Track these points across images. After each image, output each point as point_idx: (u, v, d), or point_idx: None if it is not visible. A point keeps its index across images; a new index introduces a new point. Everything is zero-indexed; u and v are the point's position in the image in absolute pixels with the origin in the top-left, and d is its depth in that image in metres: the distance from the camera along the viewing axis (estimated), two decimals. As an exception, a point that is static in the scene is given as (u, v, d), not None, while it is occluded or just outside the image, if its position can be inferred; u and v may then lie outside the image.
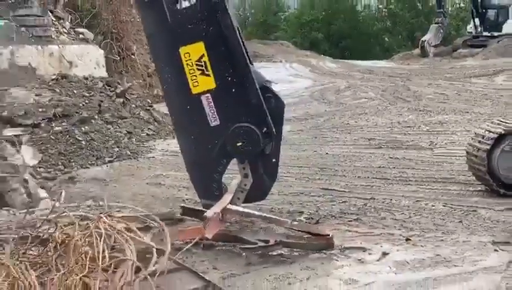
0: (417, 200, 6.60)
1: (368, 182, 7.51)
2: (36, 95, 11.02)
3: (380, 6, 58.55)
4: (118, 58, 15.38)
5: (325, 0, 57.06)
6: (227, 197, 5.40)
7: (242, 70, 5.29)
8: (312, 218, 6.03)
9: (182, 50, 5.18)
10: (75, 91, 12.03)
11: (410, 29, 50.05)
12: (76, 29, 14.86)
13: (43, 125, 9.90)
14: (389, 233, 5.55)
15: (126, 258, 4.00)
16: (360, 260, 4.95)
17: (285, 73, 26.07)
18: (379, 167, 8.29)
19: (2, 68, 11.98)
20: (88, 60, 14.10)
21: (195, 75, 5.20)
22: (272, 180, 5.62)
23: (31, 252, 4.05)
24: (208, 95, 5.25)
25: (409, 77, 21.44)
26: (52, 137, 9.60)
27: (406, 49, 40.94)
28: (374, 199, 6.69)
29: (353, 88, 18.95)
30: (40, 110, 10.32)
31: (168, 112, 5.93)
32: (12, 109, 10.00)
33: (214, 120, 5.28)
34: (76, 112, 10.69)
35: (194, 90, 5.24)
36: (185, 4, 5.47)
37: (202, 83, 5.23)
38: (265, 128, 5.30)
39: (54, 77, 12.75)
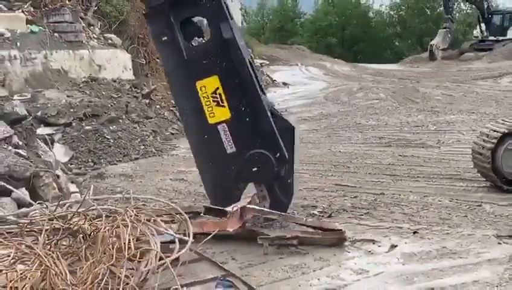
0: (424, 196, 6.55)
1: (378, 178, 7.48)
2: (68, 96, 11.14)
3: (391, 12, 58.50)
4: (144, 61, 15.45)
5: (338, 7, 57.13)
6: (246, 199, 5.44)
7: (254, 100, 5.36)
8: (325, 212, 6.02)
9: (198, 84, 5.28)
10: (103, 93, 12.13)
11: (419, 34, 49.88)
12: (105, 35, 14.97)
13: (74, 124, 9.99)
14: (398, 226, 5.53)
15: (150, 249, 4.01)
16: (370, 251, 4.94)
17: (301, 76, 26.05)
18: (389, 164, 8.24)
19: (37, 71, 12.08)
20: (116, 63, 14.20)
21: (211, 107, 5.30)
22: (288, 199, 5.64)
23: (62, 242, 4.09)
24: (224, 124, 5.32)
25: (417, 79, 21.35)
26: (83, 135, 9.69)
27: (415, 53, 40.81)
28: (384, 194, 6.66)
29: (365, 90, 18.92)
30: (72, 110, 10.43)
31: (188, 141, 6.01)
32: (46, 109, 10.10)
33: (230, 148, 5.35)
34: (105, 112, 10.78)
35: (211, 121, 5.33)
36: (200, 41, 5.57)
37: (218, 113, 5.31)
38: (278, 154, 5.35)
39: (84, 79, 12.87)
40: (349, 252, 4.95)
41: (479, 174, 6.93)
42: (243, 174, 5.44)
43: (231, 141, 5.34)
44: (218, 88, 5.28)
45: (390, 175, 7.60)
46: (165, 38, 5.36)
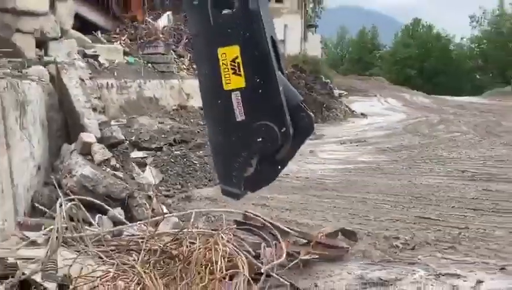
0: (511, 231, 6.27)
1: (462, 212, 7.21)
2: (159, 123, 11.43)
3: (472, 45, 57.04)
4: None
5: (418, 39, 56.25)
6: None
7: (269, 75, 5.23)
8: (408, 244, 5.87)
9: (220, 50, 5.11)
10: (192, 120, 12.41)
11: (502, 67, 48.26)
12: (194, 66, 15.41)
13: (164, 149, 10.19)
14: (484, 262, 5.29)
15: (239, 271, 4.07)
16: (455, 286, 4.75)
17: (379, 107, 25.73)
18: (472, 198, 7.93)
19: (131, 99, 12.55)
20: (203, 93, 14.54)
21: (229, 74, 5.11)
22: (266, 181, 5.42)
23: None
24: (238, 92, 5.12)
25: (501, 113, 20.64)
26: (172, 160, 9.84)
27: (497, 87, 39.55)
28: (468, 228, 6.40)
29: (446, 122, 18.46)
30: (163, 136, 10.69)
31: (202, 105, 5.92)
32: (139, 134, 10.40)
33: (240, 115, 5.13)
34: (193, 138, 10.98)
35: (226, 87, 5.13)
36: (227, 11, 5.41)
37: (234, 81, 5.13)
38: (284, 129, 5.21)
39: (174, 107, 13.24)
40: (433, 285, 4.80)
41: None
42: (248, 143, 5.27)
43: (242, 110, 5.17)
44: (237, 57, 5.11)
45: (475, 209, 7.30)
46: (196, 2, 5.27)
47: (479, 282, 4.81)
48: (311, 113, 5.52)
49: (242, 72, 5.20)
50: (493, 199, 7.86)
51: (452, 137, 15.13)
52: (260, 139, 5.22)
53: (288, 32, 28.92)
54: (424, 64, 52.33)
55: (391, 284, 4.79)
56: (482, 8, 57.96)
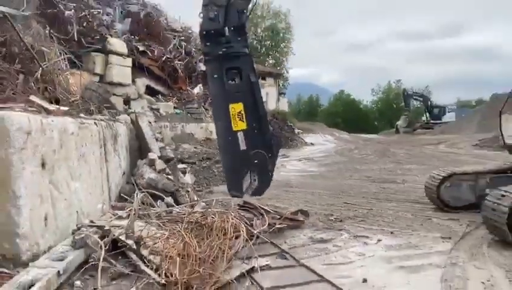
0: (396, 211, 6.26)
1: (368, 200, 7.21)
2: (194, 148, 11.43)
3: (373, 105, 57.93)
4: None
5: (342, 101, 56.94)
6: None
7: (263, 121, 5.15)
8: (337, 218, 5.83)
9: (231, 106, 5.04)
10: (213, 146, 12.37)
11: (389, 118, 48.95)
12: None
13: (197, 163, 10.16)
14: (381, 229, 5.29)
15: (241, 234, 4.02)
16: (365, 242, 4.74)
17: (321, 139, 25.81)
18: (374, 192, 7.94)
19: (178, 133, 12.54)
20: (220, 130, 14.54)
21: (236, 120, 5.02)
22: (266, 186, 5.35)
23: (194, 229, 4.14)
24: (241, 132, 5.07)
25: (389, 144, 20.80)
26: (201, 169, 9.79)
27: (387, 129, 40.07)
28: (372, 209, 6.40)
29: (358, 149, 18.56)
30: (196, 155, 10.66)
31: (216, 140, 5.74)
32: (183, 154, 10.38)
33: (242, 146, 5.09)
34: (214, 157, 10.94)
35: (234, 128, 5.04)
36: (235, 81, 5.23)
37: (239, 125, 5.04)
38: (270, 155, 5.13)
39: (203, 139, 13.21)
40: (352, 242, 4.78)
41: (429, 200, 6.59)
42: (248, 164, 5.17)
43: (244, 143, 5.07)
44: (241, 110, 5.04)
45: (376, 199, 7.32)
46: (216, 76, 5.15)
47: (379, 240, 4.81)
48: (278, 137, 5.50)
49: (244, 119, 5.18)
50: (386, 193, 7.87)
51: (362, 157, 15.21)
52: (256, 161, 5.20)
53: (268, 97, 29.21)
54: (346, 116, 52.96)
55: (329, 242, 4.76)
56: (379, 84, 59.47)
